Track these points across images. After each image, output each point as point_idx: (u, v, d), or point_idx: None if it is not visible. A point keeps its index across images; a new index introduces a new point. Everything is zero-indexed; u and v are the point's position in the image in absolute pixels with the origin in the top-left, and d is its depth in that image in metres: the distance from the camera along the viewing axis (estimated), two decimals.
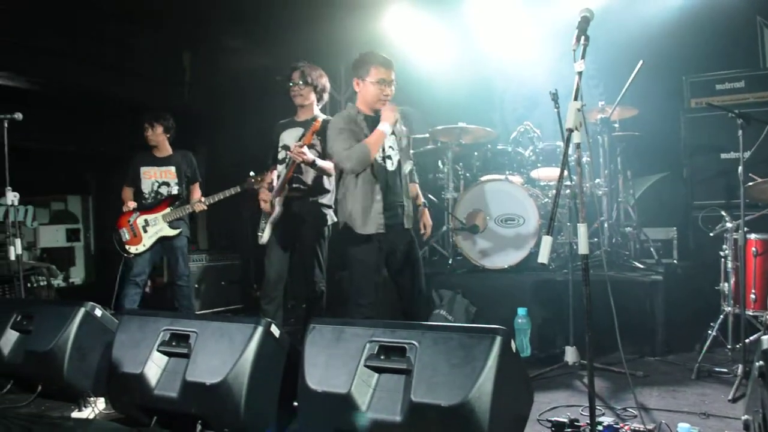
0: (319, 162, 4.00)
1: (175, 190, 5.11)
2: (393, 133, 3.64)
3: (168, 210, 4.97)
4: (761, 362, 2.11)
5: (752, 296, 3.87)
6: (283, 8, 6.41)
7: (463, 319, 4.58)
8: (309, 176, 4.20)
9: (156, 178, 5.11)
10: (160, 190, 5.09)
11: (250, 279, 6.79)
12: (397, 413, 2.46)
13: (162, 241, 4.98)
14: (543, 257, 2.35)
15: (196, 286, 6.11)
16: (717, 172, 5.08)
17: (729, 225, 3.91)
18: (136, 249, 4.90)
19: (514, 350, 2.50)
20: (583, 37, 2.71)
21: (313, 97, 4.31)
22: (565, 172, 2.72)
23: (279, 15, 6.64)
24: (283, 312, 4.39)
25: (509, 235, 4.81)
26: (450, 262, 5.13)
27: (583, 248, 2.50)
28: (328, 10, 6.45)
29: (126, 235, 4.92)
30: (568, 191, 4.59)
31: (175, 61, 7.71)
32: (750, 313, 3.84)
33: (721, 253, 3.99)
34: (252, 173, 4.36)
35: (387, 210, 3.56)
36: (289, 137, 4.26)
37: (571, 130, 2.51)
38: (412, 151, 4.03)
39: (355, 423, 2.51)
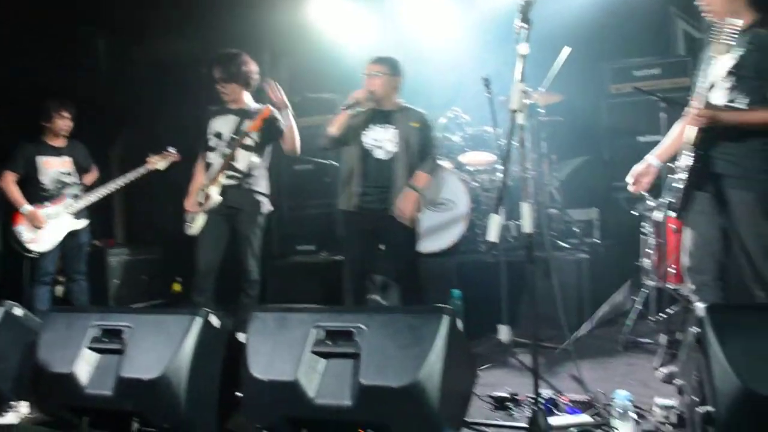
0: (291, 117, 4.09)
1: (76, 180, 4.90)
2: (397, 128, 3.92)
3: (70, 201, 4.73)
4: (696, 329, 2.21)
5: (671, 270, 4.07)
6: None
7: (397, 303, 4.59)
8: (243, 164, 4.10)
9: (58, 168, 4.87)
10: (65, 180, 4.86)
11: (173, 272, 6.58)
12: (346, 397, 2.44)
13: (68, 235, 4.74)
14: (492, 235, 2.38)
15: (116, 281, 5.88)
16: (636, 154, 5.25)
17: (651, 204, 4.09)
18: (39, 247, 4.63)
19: (459, 328, 2.53)
20: (526, 21, 2.74)
21: (239, 89, 4.20)
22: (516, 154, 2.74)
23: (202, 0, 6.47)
24: (214, 304, 4.27)
25: (440, 218, 4.86)
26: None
27: (527, 226, 2.55)
28: None
29: (25, 233, 4.62)
30: (500, 175, 4.66)
31: (88, 45, 7.36)
32: (670, 286, 4.04)
33: (643, 231, 4.17)
34: (150, 154, 4.29)
35: (366, 194, 3.90)
36: (222, 125, 4.15)
37: (515, 111, 2.55)
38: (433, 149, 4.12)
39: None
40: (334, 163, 5.51)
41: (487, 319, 4.42)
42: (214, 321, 2.85)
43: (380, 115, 3.97)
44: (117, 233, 7.71)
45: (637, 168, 3.21)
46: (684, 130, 2.90)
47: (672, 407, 2.68)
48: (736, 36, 2.63)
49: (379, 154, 3.92)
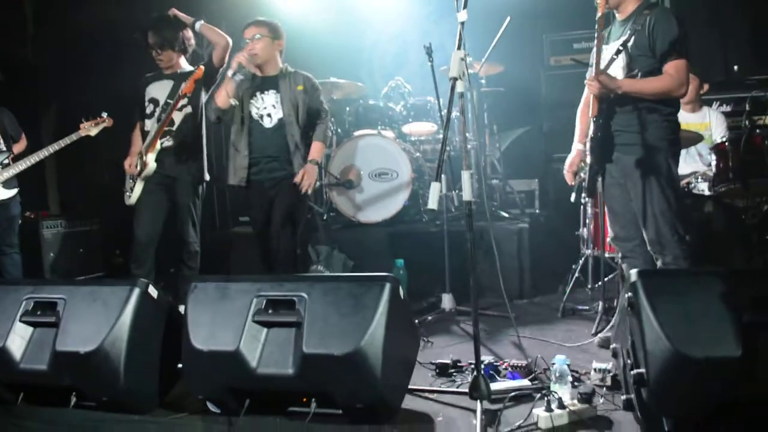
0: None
1: (2, 148, 4.68)
2: (279, 92, 3.76)
3: None
4: (629, 294, 2.29)
5: (609, 239, 4.18)
6: None
7: (341, 273, 4.60)
8: (182, 131, 4.00)
9: None
10: None
11: (112, 244, 6.40)
12: (289, 366, 2.43)
13: None
14: (432, 203, 2.40)
15: (51, 255, 5.68)
16: (574, 126, 5.38)
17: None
18: None
19: (402, 297, 2.54)
20: None
21: (175, 56, 4.07)
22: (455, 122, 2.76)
23: None
24: (155, 276, 4.18)
25: (383, 189, 4.87)
26: (325, 217, 5.12)
27: (467, 195, 2.57)
28: None
29: None
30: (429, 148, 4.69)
31: (14, 9, 7.00)
32: (607, 255, 4.16)
33: (581, 201, 4.27)
34: (83, 120, 4.16)
35: (255, 165, 3.76)
36: (157, 90, 4.04)
37: (455, 79, 2.55)
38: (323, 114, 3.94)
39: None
40: None
41: (431, 287, 4.49)
42: (153, 292, 2.78)
43: (263, 82, 3.81)
44: (51, 204, 7.45)
45: (569, 159, 3.38)
46: (584, 110, 3.27)
47: (607, 370, 2.78)
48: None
49: (267, 123, 3.78)
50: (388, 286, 2.44)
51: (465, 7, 2.70)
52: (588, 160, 3.13)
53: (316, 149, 3.81)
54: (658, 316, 2.17)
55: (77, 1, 6.78)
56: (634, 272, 2.29)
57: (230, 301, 2.60)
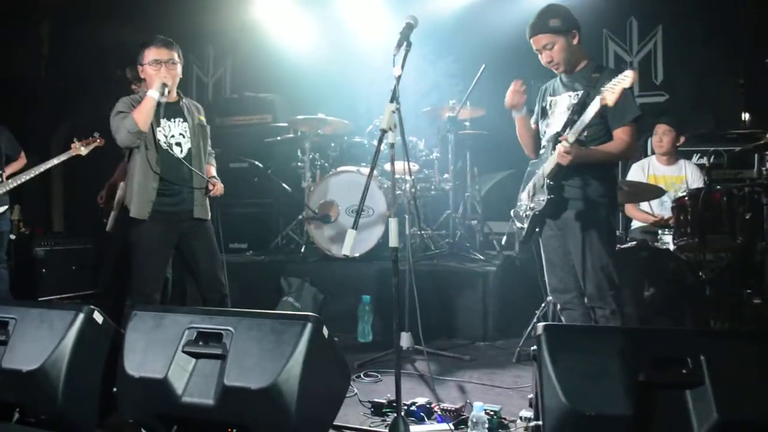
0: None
1: None
2: (186, 121, 3.63)
3: None
4: (534, 347, 2.35)
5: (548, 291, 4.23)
6: None
7: (311, 305, 4.71)
8: None
9: None
10: None
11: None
12: (210, 397, 2.53)
13: None
14: (346, 249, 2.50)
15: (43, 271, 5.88)
16: None
17: None
18: None
19: (326, 336, 2.63)
20: (405, 43, 2.86)
21: None
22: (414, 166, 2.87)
23: None
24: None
25: (358, 224, 4.96)
26: (302, 250, 5.24)
27: (393, 242, 2.67)
28: None
29: None
30: (408, 186, 4.77)
31: (31, 30, 7.33)
32: None
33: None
34: (75, 140, 4.33)
35: (168, 196, 3.53)
36: None
37: (384, 131, 2.66)
38: (210, 143, 3.88)
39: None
40: (258, 164, 5.57)
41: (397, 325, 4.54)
42: (98, 318, 2.91)
43: (170, 108, 3.58)
44: (55, 222, 7.71)
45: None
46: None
47: (530, 419, 2.83)
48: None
49: (176, 151, 3.56)
50: (309, 326, 2.53)
51: (403, 63, 2.80)
52: (530, 212, 3.21)
53: (212, 172, 3.81)
54: (556, 370, 2.23)
55: (91, 22, 7.09)
56: (540, 326, 2.36)
57: (164, 330, 2.71)
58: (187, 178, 3.59)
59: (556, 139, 3.06)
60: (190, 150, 3.62)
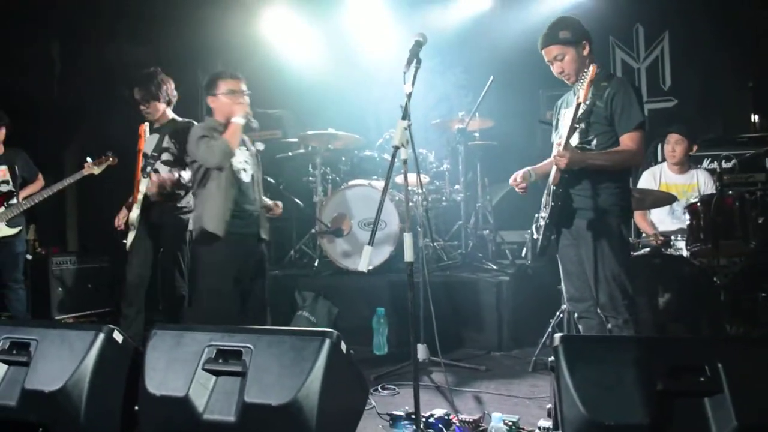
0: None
1: (11, 188, 4.96)
2: (247, 149, 3.85)
3: (3, 209, 4.80)
4: (552, 358, 2.37)
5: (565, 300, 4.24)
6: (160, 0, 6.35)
7: (325, 319, 4.73)
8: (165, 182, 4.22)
9: None
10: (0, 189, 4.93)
11: (120, 281, 6.62)
12: (231, 414, 2.56)
13: (1, 243, 4.80)
14: (363, 265, 2.53)
15: (60, 290, 5.94)
16: None
17: None
18: None
19: (344, 351, 2.65)
20: (414, 61, 2.89)
21: (162, 106, 4.32)
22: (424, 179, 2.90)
23: (156, 7, 6.56)
24: (144, 316, 4.36)
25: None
26: (316, 264, 5.27)
27: (408, 256, 2.69)
28: (205, 8, 6.44)
29: None
30: (420, 198, 4.80)
31: (42, 50, 7.42)
32: None
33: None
34: (88, 159, 4.37)
35: (240, 218, 3.69)
36: (148, 145, 4.27)
37: (397, 147, 2.69)
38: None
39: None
40: (269, 179, 5.61)
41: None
42: (118, 337, 2.95)
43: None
44: (69, 241, 7.76)
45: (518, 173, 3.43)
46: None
47: (549, 429, 2.83)
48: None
49: (244, 177, 3.77)
50: (327, 342, 2.56)
51: (413, 80, 2.83)
52: (543, 222, 3.23)
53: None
54: (575, 381, 2.25)
55: (102, 42, 7.18)
56: (557, 337, 2.38)
57: (184, 348, 2.75)
58: (253, 201, 3.80)
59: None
60: (253, 176, 3.83)
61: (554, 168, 3.11)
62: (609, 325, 3.08)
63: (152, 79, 4.27)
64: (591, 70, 2.92)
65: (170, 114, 4.38)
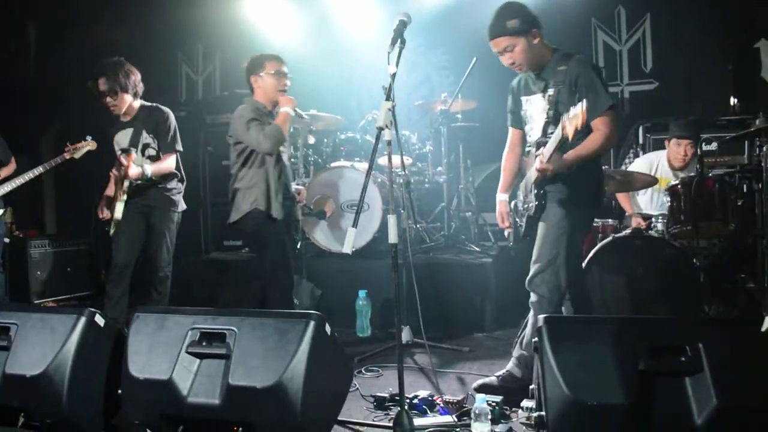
0: (150, 170, 4.12)
1: None
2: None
3: None
4: (536, 338, 2.39)
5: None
6: None
7: (308, 301, 4.72)
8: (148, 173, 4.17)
9: None
10: None
11: (100, 264, 6.58)
12: (216, 396, 2.55)
13: None
14: (347, 247, 2.52)
15: (38, 273, 5.86)
16: None
17: None
18: None
19: (328, 333, 2.66)
20: (399, 41, 2.85)
21: (129, 98, 4.20)
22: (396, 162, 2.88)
23: None
24: (128, 297, 4.31)
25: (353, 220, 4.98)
26: (298, 246, 5.25)
27: (391, 238, 2.69)
28: None
29: None
30: (401, 180, 4.78)
31: (18, 34, 7.27)
32: None
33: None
34: (68, 143, 4.32)
35: (287, 199, 3.93)
36: (123, 139, 4.24)
37: (381, 129, 2.67)
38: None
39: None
40: None
41: (393, 319, 4.58)
42: (100, 321, 2.92)
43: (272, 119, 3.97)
44: (48, 224, 7.67)
45: (499, 215, 3.51)
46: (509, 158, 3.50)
47: (532, 408, 2.86)
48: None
49: (285, 159, 3.99)
50: (312, 323, 2.56)
51: (398, 60, 2.80)
52: (523, 210, 3.22)
53: None
54: (558, 362, 2.27)
55: (78, 25, 7.05)
56: (541, 317, 2.40)
57: (167, 331, 2.73)
58: (290, 184, 4.04)
59: (538, 145, 3.02)
60: (288, 158, 4.06)
61: (534, 171, 3.01)
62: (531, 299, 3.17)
63: (119, 70, 4.13)
64: (581, 116, 2.55)
65: (137, 104, 4.27)
